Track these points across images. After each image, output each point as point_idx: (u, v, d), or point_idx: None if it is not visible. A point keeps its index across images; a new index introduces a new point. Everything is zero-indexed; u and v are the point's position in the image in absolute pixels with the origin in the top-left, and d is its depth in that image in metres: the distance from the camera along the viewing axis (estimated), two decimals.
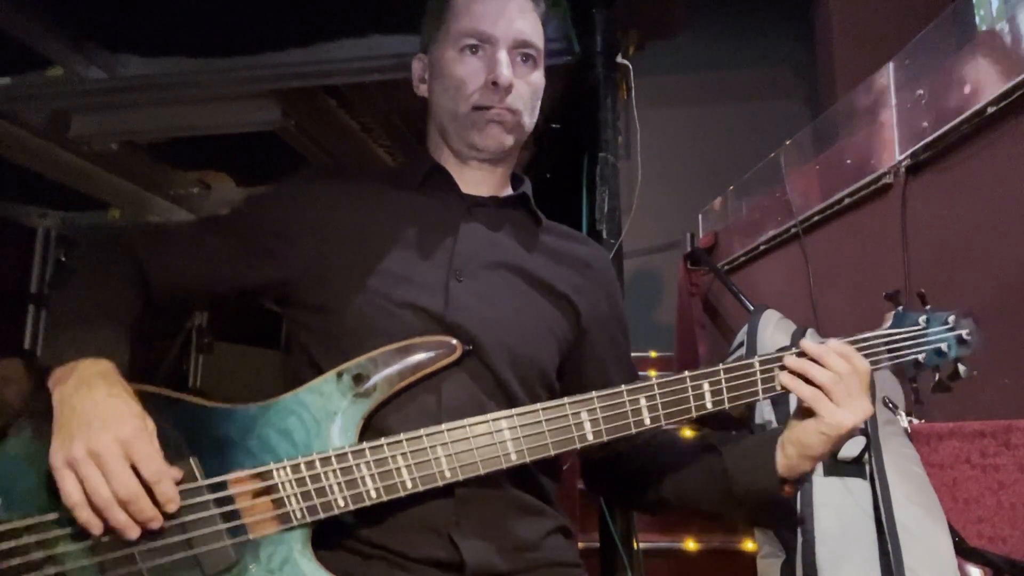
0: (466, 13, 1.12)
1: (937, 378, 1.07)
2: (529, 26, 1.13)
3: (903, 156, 2.20)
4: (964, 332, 1.07)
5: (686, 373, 1.00)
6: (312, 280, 1.08)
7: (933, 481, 1.82)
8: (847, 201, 2.53)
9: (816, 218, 2.74)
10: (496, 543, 1.02)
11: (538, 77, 1.16)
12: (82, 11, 2.17)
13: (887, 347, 1.04)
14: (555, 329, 1.14)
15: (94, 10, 2.17)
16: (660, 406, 0.99)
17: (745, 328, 2.16)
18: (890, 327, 1.07)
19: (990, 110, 1.84)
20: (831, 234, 2.68)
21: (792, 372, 1.00)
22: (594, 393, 0.99)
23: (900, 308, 1.08)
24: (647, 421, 0.99)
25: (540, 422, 0.97)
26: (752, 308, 2.25)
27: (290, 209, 1.12)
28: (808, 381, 0.99)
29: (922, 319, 1.07)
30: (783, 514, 1.07)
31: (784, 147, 3.24)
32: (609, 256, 1.38)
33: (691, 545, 2.94)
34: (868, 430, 1.80)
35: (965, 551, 1.67)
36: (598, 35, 2.03)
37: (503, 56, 1.10)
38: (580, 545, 1.17)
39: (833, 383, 0.97)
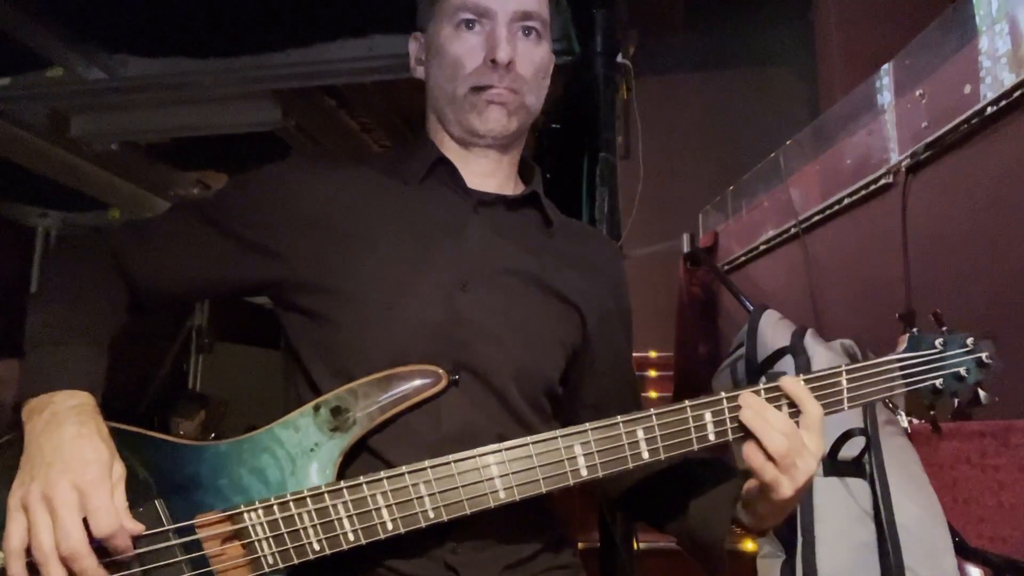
0: None
1: (956, 404, 0.99)
2: None
3: (903, 156, 2.20)
4: (984, 355, 0.99)
5: (686, 402, 0.92)
6: (307, 284, 1.01)
7: (933, 481, 1.82)
8: (847, 201, 2.53)
9: (816, 218, 2.74)
10: (496, 563, 0.98)
11: (543, 52, 1.06)
12: (82, 11, 2.17)
13: (902, 372, 0.96)
14: (563, 338, 1.09)
15: (94, 10, 2.17)
16: (659, 438, 0.92)
17: (745, 328, 2.16)
18: (905, 350, 0.98)
19: (990, 110, 1.84)
20: (831, 234, 2.68)
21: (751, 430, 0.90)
22: (588, 425, 0.91)
23: (915, 330, 0.99)
24: (645, 455, 0.91)
25: (531, 456, 0.90)
26: (752, 308, 2.25)
27: (282, 202, 1.03)
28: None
29: (939, 341, 0.98)
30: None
31: (784, 147, 3.24)
32: (617, 248, 1.34)
33: None
34: (868, 430, 1.80)
35: (965, 551, 1.67)
36: (598, 35, 2.02)
37: (502, 31, 1.01)
38: (580, 545, 1.16)
39: (782, 455, 0.88)
